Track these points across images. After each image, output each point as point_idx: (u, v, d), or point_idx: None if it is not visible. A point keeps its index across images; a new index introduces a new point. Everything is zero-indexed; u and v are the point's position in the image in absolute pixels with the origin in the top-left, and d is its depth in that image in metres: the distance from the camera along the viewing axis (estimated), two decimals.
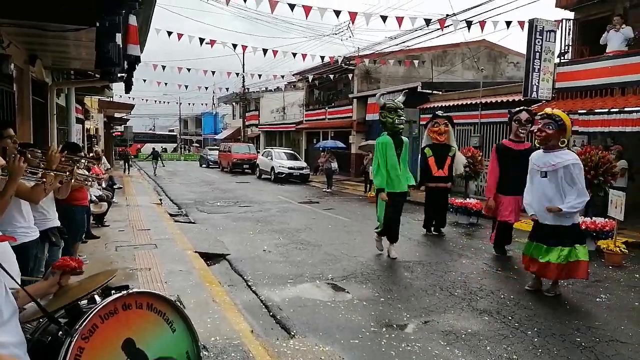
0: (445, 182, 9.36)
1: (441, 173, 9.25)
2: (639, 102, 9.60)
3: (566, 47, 12.36)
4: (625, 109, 9.62)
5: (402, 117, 7.13)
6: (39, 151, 3.49)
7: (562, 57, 12.32)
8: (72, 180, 3.57)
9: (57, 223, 4.20)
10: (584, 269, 5.26)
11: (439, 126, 9.39)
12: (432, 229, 9.26)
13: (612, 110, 9.80)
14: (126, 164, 25.73)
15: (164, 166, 29.46)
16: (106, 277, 2.26)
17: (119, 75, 5.47)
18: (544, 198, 5.29)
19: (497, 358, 3.81)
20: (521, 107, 7.63)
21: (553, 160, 5.26)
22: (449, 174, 9.44)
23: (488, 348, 3.99)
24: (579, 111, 10.64)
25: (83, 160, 4.12)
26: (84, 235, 6.66)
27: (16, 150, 3.08)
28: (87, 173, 4.69)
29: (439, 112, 9.83)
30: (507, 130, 13.87)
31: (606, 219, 7.84)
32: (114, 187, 12.13)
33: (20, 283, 1.96)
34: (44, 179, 3.17)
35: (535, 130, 5.49)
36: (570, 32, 12.38)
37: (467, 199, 10.99)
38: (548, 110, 5.50)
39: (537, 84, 11.84)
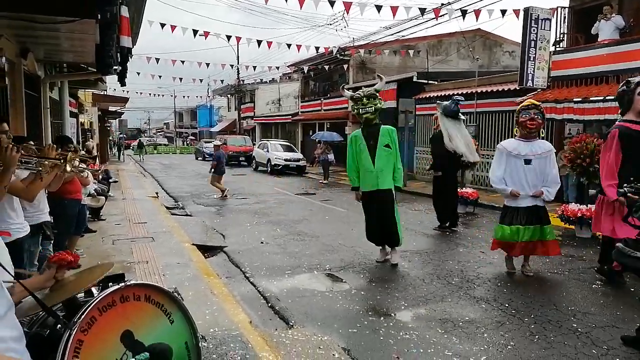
0: (436, 171, 8.82)
1: None
2: None
3: (561, 35, 12.34)
4: None
5: (369, 106, 6.17)
6: (33, 144, 3.47)
7: (558, 46, 12.30)
8: (65, 172, 3.55)
9: (49, 217, 4.18)
10: (555, 247, 5.73)
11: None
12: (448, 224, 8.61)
13: (607, 98, 9.80)
14: (120, 153, 32.91)
15: (145, 155, 34.41)
16: (103, 272, 2.25)
17: (114, 67, 5.43)
18: (527, 183, 5.59)
19: (494, 345, 3.84)
20: None
21: (539, 149, 5.60)
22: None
23: (485, 335, 4.02)
24: (575, 99, 10.65)
25: (71, 153, 4.08)
26: (82, 229, 6.61)
27: (11, 144, 3.07)
28: (83, 165, 4.64)
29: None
30: (503, 119, 14.00)
31: None
32: (110, 180, 12.09)
33: (14, 277, 1.95)
34: (41, 170, 3.16)
35: (527, 120, 5.54)
36: (566, 20, 12.36)
37: (464, 188, 11.02)
38: (533, 100, 5.68)
39: (532, 73, 11.82)
